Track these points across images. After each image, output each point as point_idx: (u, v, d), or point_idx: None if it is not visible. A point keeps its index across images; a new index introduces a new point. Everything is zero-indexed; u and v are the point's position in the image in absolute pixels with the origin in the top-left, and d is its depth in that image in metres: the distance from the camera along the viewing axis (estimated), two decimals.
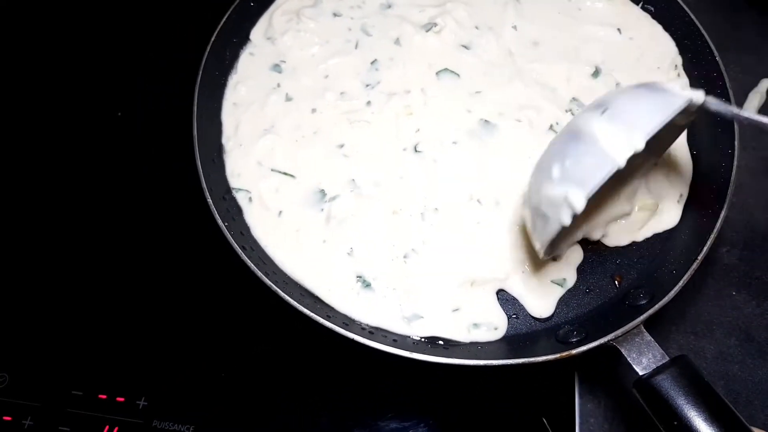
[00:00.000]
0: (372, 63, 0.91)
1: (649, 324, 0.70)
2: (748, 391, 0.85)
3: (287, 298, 0.71)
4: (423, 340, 0.75)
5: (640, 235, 0.82)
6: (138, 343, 0.88)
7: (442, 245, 0.78)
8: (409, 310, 0.76)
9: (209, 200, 0.77)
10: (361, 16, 0.95)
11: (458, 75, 0.89)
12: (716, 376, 0.87)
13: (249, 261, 0.73)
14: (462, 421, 0.82)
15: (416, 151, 0.83)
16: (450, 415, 0.82)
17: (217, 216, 0.76)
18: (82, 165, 1.03)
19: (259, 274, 0.73)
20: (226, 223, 0.76)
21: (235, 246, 0.74)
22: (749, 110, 0.98)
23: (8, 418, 0.82)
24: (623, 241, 0.81)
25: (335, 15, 0.95)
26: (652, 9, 0.94)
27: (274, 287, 0.72)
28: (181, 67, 0.89)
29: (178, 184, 0.91)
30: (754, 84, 1.08)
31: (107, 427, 0.81)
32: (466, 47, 0.91)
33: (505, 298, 0.78)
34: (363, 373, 0.85)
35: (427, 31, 0.91)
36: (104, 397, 0.83)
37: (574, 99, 0.87)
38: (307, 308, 0.71)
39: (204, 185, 0.78)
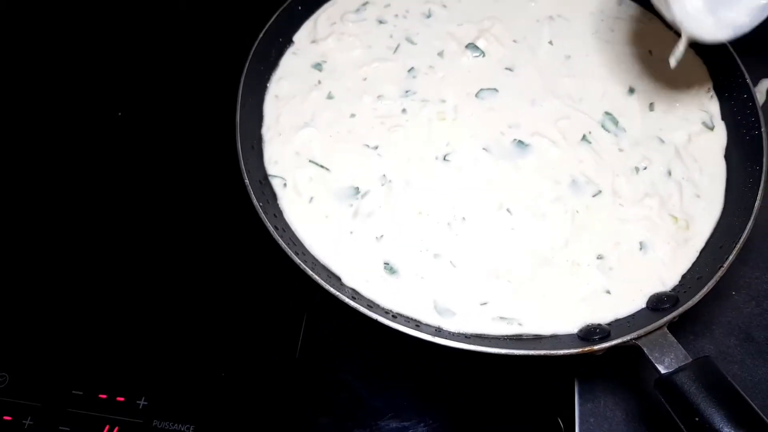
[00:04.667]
0: (409, 71, 0.94)
1: None
2: (748, 391, 0.81)
3: (315, 277, 0.73)
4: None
5: None
6: (138, 343, 0.88)
7: (470, 251, 0.80)
8: (437, 301, 0.77)
9: (246, 182, 0.79)
10: (405, 25, 0.99)
11: (496, 90, 0.91)
12: None
13: (280, 240, 0.75)
14: (463, 421, 0.82)
15: (446, 160, 0.85)
16: (450, 415, 0.82)
17: (253, 197, 0.78)
18: (82, 164, 1.06)
19: (290, 252, 0.74)
20: (260, 204, 0.78)
21: (269, 225, 0.76)
22: None
23: (8, 418, 0.82)
24: None
25: (380, 22, 0.99)
26: None
27: (303, 266, 0.73)
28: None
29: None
30: (755, 84, 1.05)
31: (107, 427, 0.81)
32: (509, 69, 0.93)
33: None
34: (363, 373, 0.85)
35: (474, 56, 0.94)
36: (104, 396, 0.83)
37: (607, 113, 0.89)
38: (333, 287, 0.72)
39: (242, 168, 0.81)
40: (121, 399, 0.83)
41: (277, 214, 0.82)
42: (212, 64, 1.12)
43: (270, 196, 0.84)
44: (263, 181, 0.84)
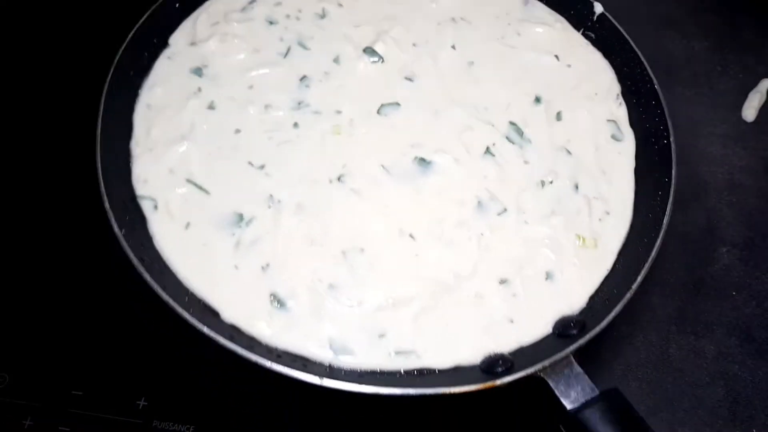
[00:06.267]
0: (302, 79, 0.86)
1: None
2: (748, 391, 0.85)
3: (185, 314, 0.64)
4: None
5: None
6: (138, 343, 0.84)
7: (367, 281, 0.73)
8: (330, 335, 0.69)
9: (106, 205, 0.70)
10: (297, 26, 0.91)
11: (398, 104, 0.85)
12: (716, 376, 0.86)
13: (146, 273, 0.66)
14: None
15: (341, 181, 0.78)
16: None
17: (113, 222, 0.69)
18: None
19: (157, 289, 0.65)
20: (123, 230, 0.68)
21: (132, 256, 0.67)
22: (749, 110, 1.08)
23: (8, 418, 0.80)
24: None
25: (270, 23, 0.91)
26: (593, 36, 0.94)
27: (172, 302, 0.64)
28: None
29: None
30: (754, 84, 1.11)
31: (107, 427, 0.79)
32: (410, 79, 0.87)
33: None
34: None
35: (373, 61, 0.88)
36: (104, 397, 0.81)
37: (512, 123, 0.84)
38: (207, 325, 0.64)
39: (102, 188, 0.71)
40: (121, 399, 0.81)
41: (146, 241, 0.73)
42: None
43: (138, 220, 0.74)
44: (130, 203, 0.75)
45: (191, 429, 0.79)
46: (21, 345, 0.86)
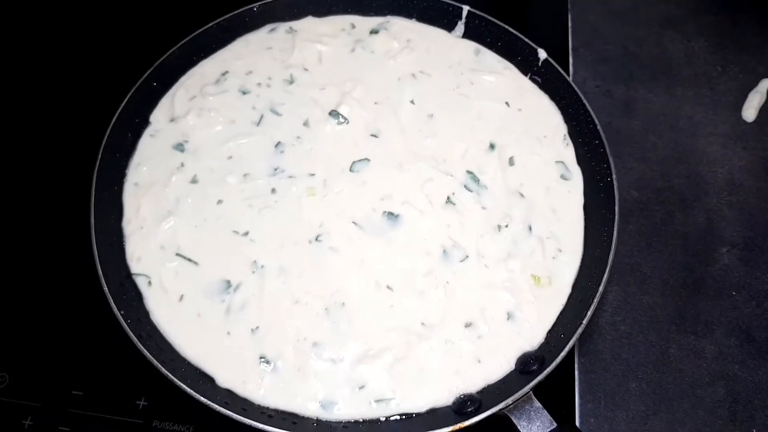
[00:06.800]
0: (276, 146, 0.92)
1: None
2: (748, 391, 0.87)
3: (183, 386, 0.71)
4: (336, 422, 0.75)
5: None
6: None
7: (347, 335, 0.80)
8: (317, 391, 0.76)
9: (105, 288, 0.77)
10: (268, 94, 0.97)
11: (368, 160, 0.91)
12: (716, 376, 0.87)
13: (144, 349, 0.73)
14: None
15: (318, 241, 0.85)
16: None
17: (112, 304, 0.76)
18: None
19: (156, 363, 0.72)
20: (122, 311, 0.76)
21: (131, 334, 0.74)
22: (749, 110, 1.09)
23: (8, 418, 0.82)
24: None
25: (242, 93, 0.97)
26: (540, 80, 1.00)
27: (170, 376, 0.72)
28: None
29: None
30: (754, 84, 1.12)
31: (107, 427, 0.81)
32: (374, 135, 0.94)
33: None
34: None
35: (339, 123, 0.94)
36: (104, 397, 0.83)
37: (468, 171, 0.91)
38: (203, 395, 0.71)
39: (99, 272, 0.78)
40: (121, 399, 0.83)
41: (143, 317, 0.80)
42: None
43: (135, 297, 0.81)
44: (125, 282, 0.82)
45: (191, 429, 0.81)
46: (21, 345, 0.88)
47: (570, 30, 1.22)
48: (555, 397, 0.81)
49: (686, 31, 1.21)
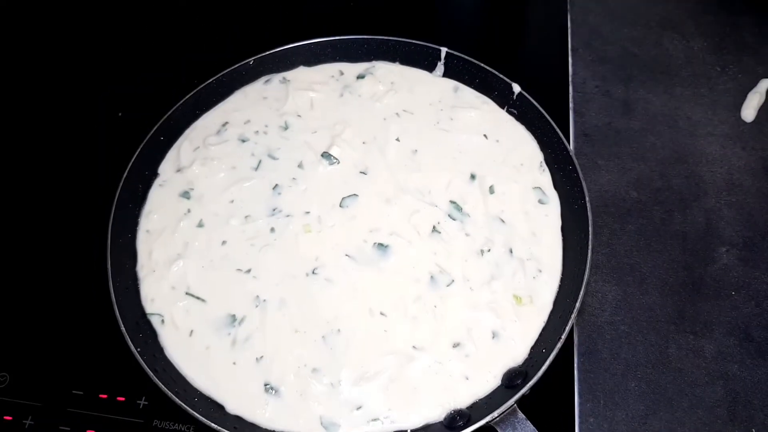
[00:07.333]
0: (274, 188, 1.00)
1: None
2: (747, 391, 0.88)
3: (196, 414, 0.78)
4: None
5: None
6: None
7: (344, 359, 0.86)
8: (320, 414, 0.82)
9: (123, 329, 0.84)
10: (265, 140, 1.06)
11: (357, 195, 0.98)
12: (715, 376, 0.88)
13: (159, 382, 0.80)
14: None
15: (315, 273, 0.92)
16: None
17: (130, 343, 0.83)
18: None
19: (170, 394, 0.79)
20: (138, 348, 0.83)
21: (147, 369, 0.81)
22: (748, 110, 1.11)
23: (9, 418, 0.83)
24: None
25: (242, 141, 1.05)
26: (516, 112, 1.07)
27: (184, 405, 0.78)
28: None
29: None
30: (753, 84, 1.14)
31: (107, 427, 0.82)
32: (363, 173, 1.01)
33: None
34: None
35: (330, 164, 1.02)
36: (104, 396, 0.85)
37: (452, 201, 0.98)
38: (214, 422, 0.78)
39: (117, 315, 0.85)
40: (121, 399, 0.84)
41: (158, 352, 0.87)
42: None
43: (150, 335, 0.88)
44: (141, 321, 0.89)
45: (191, 429, 0.83)
46: (21, 345, 0.89)
47: (569, 30, 1.25)
48: (554, 397, 0.86)
49: (685, 31, 1.22)
